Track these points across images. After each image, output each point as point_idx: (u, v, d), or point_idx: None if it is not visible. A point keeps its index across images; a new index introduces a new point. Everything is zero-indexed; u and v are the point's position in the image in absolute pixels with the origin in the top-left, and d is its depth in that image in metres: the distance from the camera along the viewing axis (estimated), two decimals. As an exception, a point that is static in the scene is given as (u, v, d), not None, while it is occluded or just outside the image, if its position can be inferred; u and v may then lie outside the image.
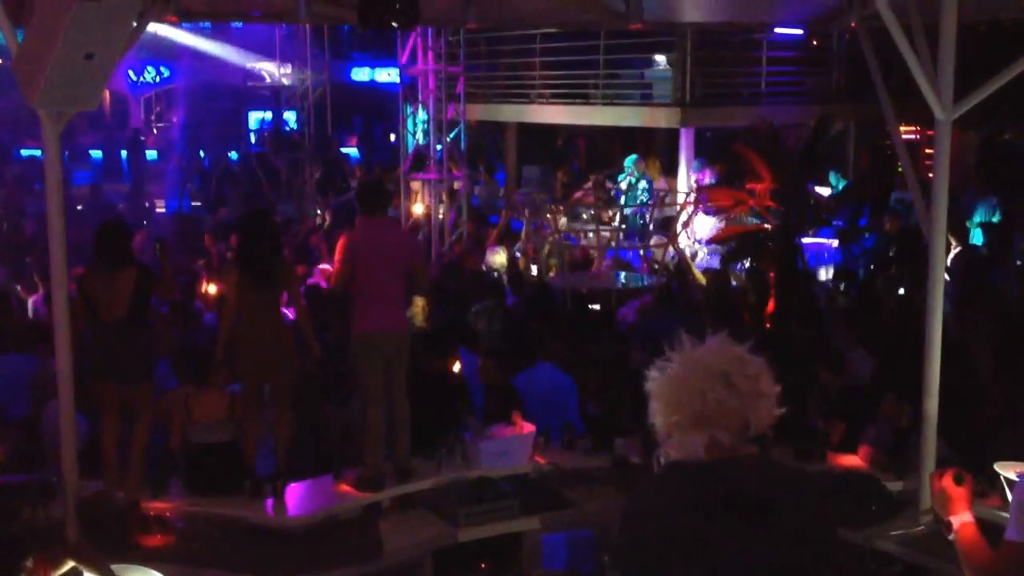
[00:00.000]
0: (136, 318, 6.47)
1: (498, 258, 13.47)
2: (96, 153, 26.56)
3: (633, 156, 16.37)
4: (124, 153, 26.19)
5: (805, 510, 2.64)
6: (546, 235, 14.32)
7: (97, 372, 6.43)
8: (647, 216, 15.26)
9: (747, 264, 12.25)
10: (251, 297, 6.46)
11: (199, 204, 20.30)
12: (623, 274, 13.53)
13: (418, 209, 15.69)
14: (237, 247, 7.16)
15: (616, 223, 14.99)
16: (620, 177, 16.36)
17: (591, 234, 14.57)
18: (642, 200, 15.65)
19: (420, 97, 15.38)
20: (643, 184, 15.95)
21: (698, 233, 14.94)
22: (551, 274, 13.48)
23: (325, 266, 11.44)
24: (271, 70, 23.09)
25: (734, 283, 11.85)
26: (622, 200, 15.71)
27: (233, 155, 22.64)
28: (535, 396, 7.69)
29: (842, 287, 11.72)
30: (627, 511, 2.74)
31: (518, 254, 14.00)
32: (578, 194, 16.65)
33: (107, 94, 24.23)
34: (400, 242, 6.80)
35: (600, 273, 13.47)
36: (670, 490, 2.67)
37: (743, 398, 2.62)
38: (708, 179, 15.47)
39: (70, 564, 4.38)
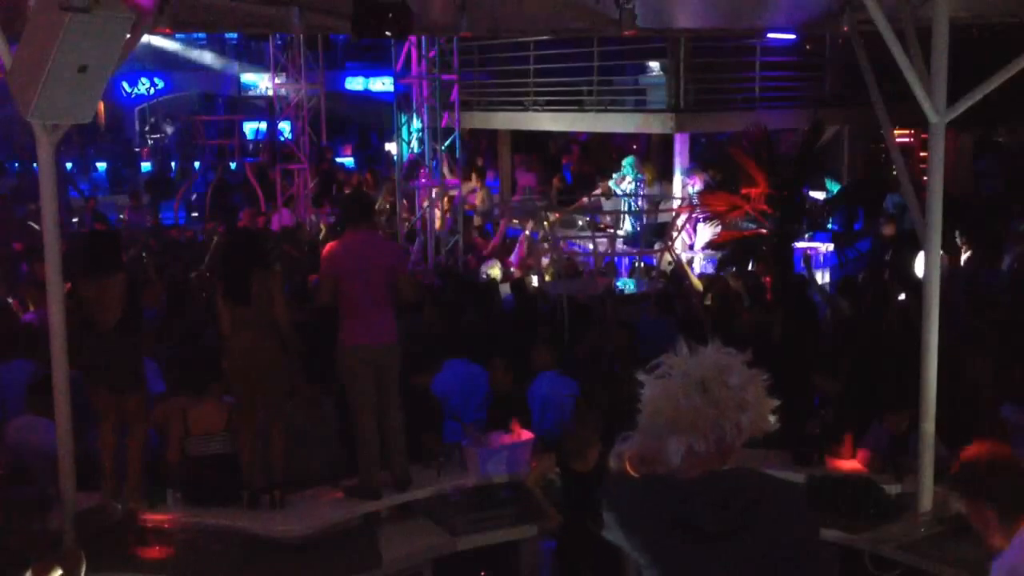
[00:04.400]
0: (127, 325, 6.47)
1: (493, 270, 13.49)
2: (101, 165, 26.64)
3: (630, 158, 16.36)
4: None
5: (781, 532, 2.59)
6: (537, 243, 14.31)
7: (92, 380, 6.42)
8: (641, 222, 15.27)
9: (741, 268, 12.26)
10: (234, 313, 6.47)
11: (196, 215, 20.30)
12: (622, 281, 13.54)
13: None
14: (220, 264, 7.06)
15: (624, 230, 14.98)
16: (615, 176, 16.35)
17: (588, 243, 14.58)
18: (629, 194, 15.66)
19: (414, 105, 15.40)
20: (634, 185, 15.96)
21: (695, 239, 14.97)
22: (548, 279, 13.49)
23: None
24: (265, 80, 23.08)
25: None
26: (623, 206, 15.73)
27: (231, 165, 22.62)
28: (543, 402, 7.75)
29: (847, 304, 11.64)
30: (608, 513, 2.71)
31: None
32: (584, 200, 16.65)
33: (101, 106, 24.22)
34: (383, 253, 6.72)
35: (596, 280, 13.47)
36: (645, 507, 2.63)
37: (720, 407, 2.57)
38: (698, 184, 15.48)
39: (58, 572, 4.38)
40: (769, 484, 2.71)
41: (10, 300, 10.84)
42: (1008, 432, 6.62)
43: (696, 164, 16.25)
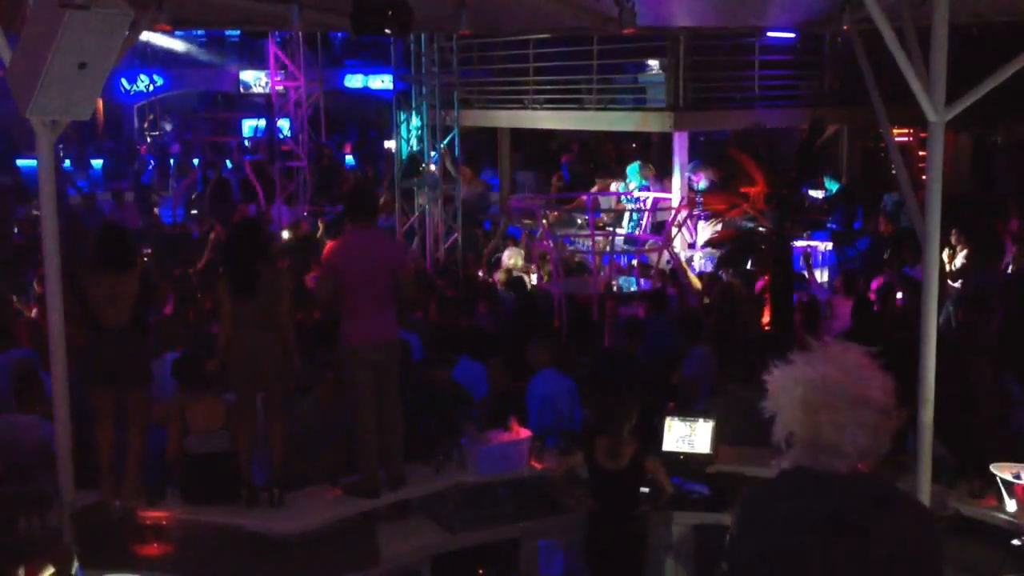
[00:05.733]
0: (137, 323, 6.47)
1: (514, 259, 13.44)
2: (96, 162, 26.61)
3: (635, 164, 16.36)
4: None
5: (906, 538, 2.63)
6: (537, 240, 14.33)
7: (96, 378, 6.41)
8: (642, 221, 15.28)
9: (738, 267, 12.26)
10: (238, 307, 6.45)
11: (196, 212, 20.28)
12: (622, 279, 13.54)
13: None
14: (224, 258, 7.07)
15: (625, 228, 15.00)
16: (622, 187, 16.38)
17: (587, 241, 14.59)
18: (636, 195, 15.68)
19: (414, 103, 15.40)
20: (638, 191, 15.99)
21: (696, 237, 14.97)
22: (545, 279, 13.50)
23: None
24: (264, 78, 23.07)
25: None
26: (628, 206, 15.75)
27: (228, 163, 22.64)
28: (541, 399, 7.74)
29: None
30: (740, 517, 2.71)
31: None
32: (584, 197, 16.65)
33: (100, 103, 24.22)
34: (385, 251, 6.70)
35: (596, 278, 13.47)
36: (783, 503, 2.64)
37: (880, 419, 2.66)
38: (703, 182, 15.48)
39: (50, 570, 4.39)
40: (896, 491, 2.77)
41: (15, 297, 10.84)
42: (1010, 402, 6.66)
43: (701, 161, 16.25)
